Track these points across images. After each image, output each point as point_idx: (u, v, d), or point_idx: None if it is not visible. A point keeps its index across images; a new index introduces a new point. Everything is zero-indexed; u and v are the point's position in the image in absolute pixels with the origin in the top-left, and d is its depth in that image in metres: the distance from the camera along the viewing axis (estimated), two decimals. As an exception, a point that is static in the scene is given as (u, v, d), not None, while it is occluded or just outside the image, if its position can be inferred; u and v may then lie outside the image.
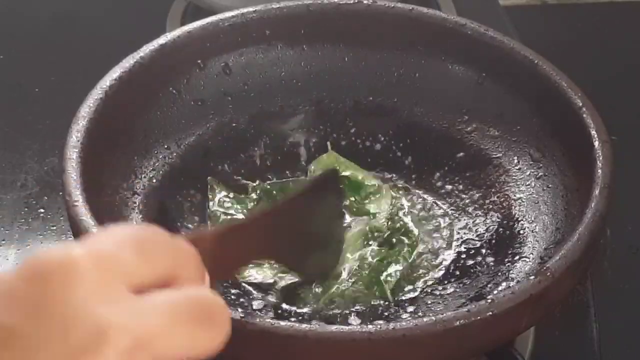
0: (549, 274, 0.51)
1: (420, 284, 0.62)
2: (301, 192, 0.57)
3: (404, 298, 0.60)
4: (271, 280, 0.61)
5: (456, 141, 0.68)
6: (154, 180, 0.64)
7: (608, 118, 0.61)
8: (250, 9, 0.69)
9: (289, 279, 0.61)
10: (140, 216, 0.61)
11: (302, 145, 0.70)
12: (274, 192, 0.67)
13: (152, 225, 0.38)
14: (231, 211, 0.66)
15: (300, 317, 0.59)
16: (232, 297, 0.60)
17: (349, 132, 0.70)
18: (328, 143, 0.70)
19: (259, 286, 0.61)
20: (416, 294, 0.61)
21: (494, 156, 0.66)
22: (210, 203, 0.65)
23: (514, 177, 0.65)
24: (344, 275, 0.61)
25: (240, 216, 0.65)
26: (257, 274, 0.62)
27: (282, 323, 0.49)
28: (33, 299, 0.33)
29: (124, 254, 0.35)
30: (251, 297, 0.60)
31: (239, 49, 0.69)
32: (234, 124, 0.69)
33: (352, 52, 0.70)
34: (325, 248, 0.59)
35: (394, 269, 0.62)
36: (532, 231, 0.61)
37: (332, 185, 0.59)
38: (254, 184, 0.67)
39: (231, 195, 0.66)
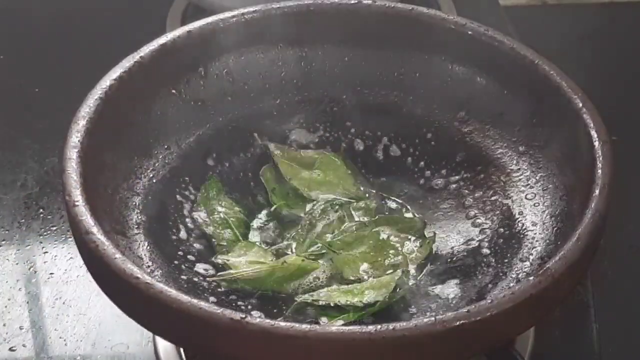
0: (549, 274, 0.52)
1: (420, 284, 0.62)
2: None
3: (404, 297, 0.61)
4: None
5: (456, 141, 0.68)
6: (154, 180, 0.64)
7: (608, 118, 0.61)
8: (250, 9, 0.68)
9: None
10: (141, 216, 0.61)
11: (302, 146, 0.70)
12: (288, 193, 0.67)
13: None
14: (231, 210, 0.66)
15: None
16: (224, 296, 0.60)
17: (348, 132, 0.70)
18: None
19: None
20: (416, 294, 0.61)
21: (494, 156, 0.66)
22: (211, 202, 0.65)
23: (514, 177, 0.65)
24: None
25: (241, 217, 0.65)
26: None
27: (282, 323, 0.49)
28: None
29: None
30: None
31: (239, 48, 0.69)
32: (234, 124, 0.69)
33: (352, 52, 0.70)
34: None
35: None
36: (532, 231, 0.61)
37: None
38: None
39: (231, 195, 0.66)
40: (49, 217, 0.77)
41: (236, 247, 0.63)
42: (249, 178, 0.68)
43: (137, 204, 0.62)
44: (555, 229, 0.60)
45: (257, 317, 0.49)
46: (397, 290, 0.61)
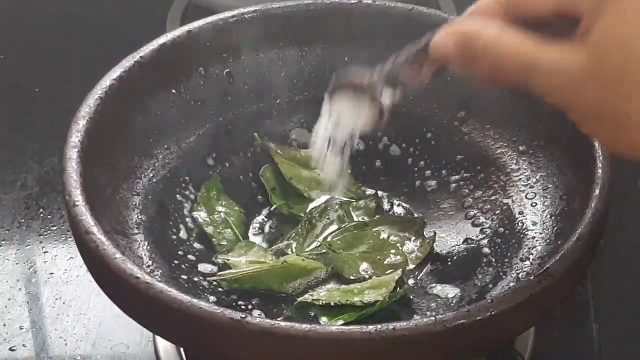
0: (549, 274, 0.51)
1: (420, 283, 0.62)
2: None
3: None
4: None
5: (456, 141, 0.68)
6: (154, 180, 0.64)
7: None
8: (250, 9, 0.68)
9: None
10: (141, 216, 0.61)
11: (302, 145, 0.70)
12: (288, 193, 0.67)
13: None
14: (231, 210, 0.66)
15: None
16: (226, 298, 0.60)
17: (349, 132, 0.70)
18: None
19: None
20: (416, 293, 0.61)
21: (494, 156, 0.66)
22: (211, 202, 0.66)
23: (513, 177, 0.65)
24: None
25: (241, 216, 0.65)
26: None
27: (282, 323, 0.49)
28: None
29: None
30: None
31: (239, 48, 0.69)
32: (234, 124, 0.69)
33: (352, 51, 0.70)
34: None
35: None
36: (532, 231, 0.61)
37: None
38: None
39: (230, 195, 0.66)
40: (49, 217, 0.77)
41: (236, 247, 0.64)
42: (249, 178, 0.68)
43: (137, 204, 0.62)
44: (555, 228, 0.60)
45: (257, 317, 0.49)
46: (397, 290, 0.61)
